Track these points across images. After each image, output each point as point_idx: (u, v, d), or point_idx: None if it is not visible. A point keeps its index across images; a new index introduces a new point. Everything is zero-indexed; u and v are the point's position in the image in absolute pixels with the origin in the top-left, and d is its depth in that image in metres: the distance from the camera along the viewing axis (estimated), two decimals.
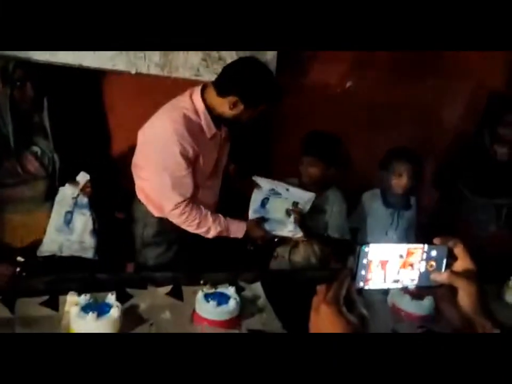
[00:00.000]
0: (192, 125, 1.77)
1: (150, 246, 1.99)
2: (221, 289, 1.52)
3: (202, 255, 2.01)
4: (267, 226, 2.02)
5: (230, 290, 1.50)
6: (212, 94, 1.78)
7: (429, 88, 2.74)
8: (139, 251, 2.01)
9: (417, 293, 1.58)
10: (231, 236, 1.96)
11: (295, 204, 2.02)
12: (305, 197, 2.02)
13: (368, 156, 2.61)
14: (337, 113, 2.63)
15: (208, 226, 1.89)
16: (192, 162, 1.80)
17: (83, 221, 1.87)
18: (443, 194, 2.73)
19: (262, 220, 2.02)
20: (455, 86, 2.78)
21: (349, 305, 0.75)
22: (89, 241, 1.89)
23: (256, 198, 2.04)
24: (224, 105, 1.77)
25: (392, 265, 0.79)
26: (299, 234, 2.04)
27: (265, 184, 2.04)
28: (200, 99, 1.79)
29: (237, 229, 1.96)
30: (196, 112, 1.79)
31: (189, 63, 2.06)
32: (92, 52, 1.93)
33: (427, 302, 1.56)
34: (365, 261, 0.77)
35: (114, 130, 2.32)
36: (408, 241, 2.25)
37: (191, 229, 1.89)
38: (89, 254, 1.89)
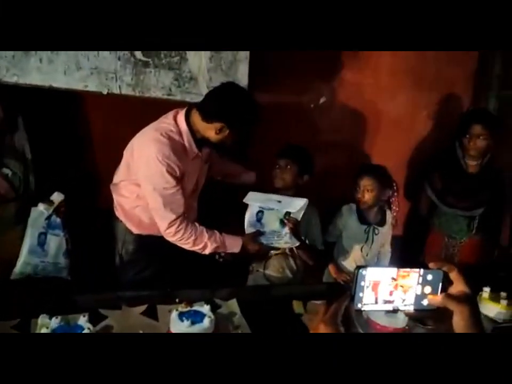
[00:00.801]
0: (176, 145, 1.80)
1: (129, 263, 1.99)
2: (196, 307, 1.52)
3: (179, 273, 2.01)
4: (264, 239, 2.02)
5: (205, 308, 1.49)
6: (196, 117, 1.81)
7: (404, 101, 2.82)
8: (119, 268, 2.01)
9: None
10: (228, 251, 1.96)
11: (288, 214, 2.02)
12: (297, 205, 2.01)
13: (342, 170, 2.67)
14: (311, 128, 2.69)
15: (204, 243, 1.89)
16: (179, 181, 1.82)
17: (57, 241, 1.86)
18: (415, 206, 2.78)
19: (258, 234, 2.02)
20: (430, 99, 2.87)
21: (347, 325, 0.79)
22: (64, 262, 1.89)
23: (250, 212, 2.04)
24: (209, 130, 1.80)
25: (384, 287, 0.82)
26: (296, 243, 2.05)
27: (258, 197, 2.04)
28: (184, 121, 1.82)
29: (233, 244, 1.95)
30: (180, 133, 1.82)
31: (161, 83, 2.07)
32: (62, 73, 1.94)
33: (401, 315, 1.57)
34: (362, 283, 0.80)
35: (91, 149, 2.32)
36: (382, 258, 2.29)
37: (188, 246, 1.89)
38: (63, 274, 1.88)
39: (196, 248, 1.89)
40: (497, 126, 2.48)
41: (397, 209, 2.31)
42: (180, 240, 1.86)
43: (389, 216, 2.28)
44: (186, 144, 1.83)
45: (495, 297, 1.81)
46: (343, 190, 2.37)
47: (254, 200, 2.03)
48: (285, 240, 2.03)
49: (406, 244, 2.74)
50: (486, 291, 1.85)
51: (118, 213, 2.00)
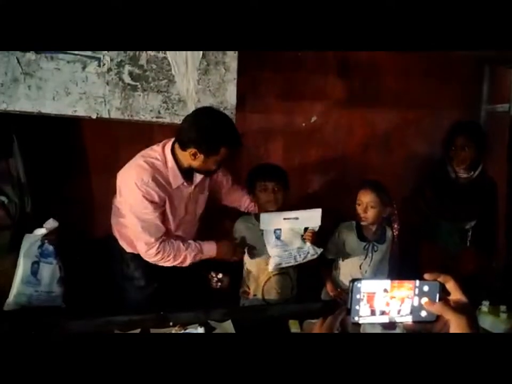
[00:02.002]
0: (159, 174, 1.85)
1: (128, 281, 2.02)
2: (190, 330, 1.49)
3: (174, 293, 2.00)
4: (288, 257, 2.04)
5: (199, 331, 1.47)
6: (177, 148, 1.87)
7: (395, 117, 2.85)
8: (119, 288, 2.03)
9: (389, 323, 1.57)
10: (205, 257, 1.98)
11: (306, 229, 2.07)
12: (313, 217, 2.06)
13: (338, 189, 2.67)
14: (302, 147, 2.71)
15: (183, 256, 1.92)
16: (160, 207, 1.86)
17: (50, 270, 1.86)
18: (409, 219, 2.78)
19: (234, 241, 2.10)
20: (421, 115, 2.89)
21: None
22: (58, 290, 1.88)
23: (268, 233, 2.06)
24: (187, 158, 1.85)
25: (379, 299, 0.81)
26: (319, 251, 2.08)
27: (274, 219, 2.07)
28: (170, 152, 1.88)
29: (209, 248, 1.99)
30: (165, 163, 1.87)
31: (150, 106, 2.08)
32: (50, 99, 1.94)
33: (398, 330, 1.55)
34: (358, 296, 0.79)
35: (87, 174, 2.33)
36: (380, 275, 2.28)
37: (169, 263, 1.92)
38: (57, 303, 1.87)
39: (176, 263, 1.93)
40: (481, 136, 2.51)
41: (398, 226, 2.29)
42: (160, 260, 1.90)
43: (389, 233, 2.27)
44: (170, 173, 1.87)
45: (494, 311, 1.80)
46: (336, 207, 2.37)
47: (272, 225, 2.06)
48: (310, 253, 2.06)
49: (401, 257, 2.72)
50: (485, 304, 1.84)
51: (114, 233, 2.05)
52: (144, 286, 2.02)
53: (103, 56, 1.99)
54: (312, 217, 2.07)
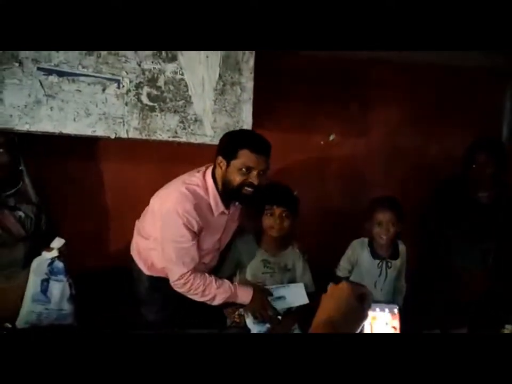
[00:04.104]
0: (199, 200, 1.83)
1: (145, 303, 2.02)
2: None
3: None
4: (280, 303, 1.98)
5: None
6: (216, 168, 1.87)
7: (410, 134, 2.82)
8: (138, 309, 2.03)
9: None
10: (239, 301, 1.93)
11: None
12: (302, 297, 2.00)
13: (352, 207, 2.65)
14: (318, 165, 2.71)
15: (213, 294, 1.87)
16: (196, 236, 1.84)
17: (60, 287, 1.85)
18: (428, 239, 2.73)
19: (267, 291, 1.99)
20: (439, 132, 2.86)
21: None
22: (68, 307, 1.87)
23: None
24: (218, 170, 1.85)
25: None
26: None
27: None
28: (211, 176, 1.87)
29: (244, 294, 1.92)
30: (206, 189, 1.86)
31: (167, 126, 2.12)
32: (72, 120, 2.01)
33: None
34: None
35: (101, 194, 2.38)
36: (397, 293, 2.23)
37: (197, 297, 1.88)
38: (68, 321, 1.86)
39: (204, 299, 1.88)
40: (503, 153, 2.46)
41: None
42: (188, 291, 1.86)
43: (402, 248, 2.24)
44: (212, 200, 1.86)
45: None
46: (350, 224, 2.36)
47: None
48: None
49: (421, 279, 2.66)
50: (508, 328, 1.80)
51: (133, 253, 2.05)
52: (159, 310, 2.01)
53: (122, 78, 2.05)
54: (300, 297, 1.99)
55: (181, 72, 2.12)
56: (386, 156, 2.79)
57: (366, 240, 2.20)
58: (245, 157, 1.78)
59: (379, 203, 2.17)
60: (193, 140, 2.16)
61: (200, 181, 1.86)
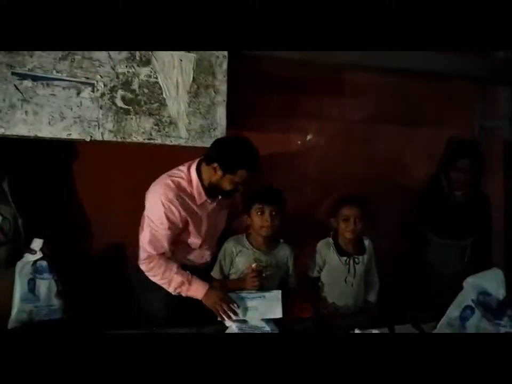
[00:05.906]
0: (184, 192, 2.00)
1: (150, 290, 2.05)
2: None
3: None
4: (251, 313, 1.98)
5: None
6: (203, 165, 2.01)
7: (388, 134, 2.88)
8: (141, 297, 2.10)
9: None
10: (190, 293, 1.98)
11: None
12: (277, 308, 1.98)
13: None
14: (295, 167, 2.74)
15: (170, 278, 1.97)
16: (176, 226, 1.99)
17: (47, 284, 1.93)
18: (406, 237, 2.78)
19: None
20: (415, 132, 2.92)
21: None
22: (57, 303, 1.95)
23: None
24: (209, 172, 1.99)
25: None
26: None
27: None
28: (195, 171, 2.02)
29: (199, 287, 1.98)
30: (190, 181, 2.02)
31: (142, 128, 2.16)
32: (46, 123, 2.03)
33: None
34: None
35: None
36: (370, 287, 2.27)
37: (157, 279, 1.99)
38: (58, 315, 1.94)
39: (163, 282, 1.98)
40: (482, 159, 2.52)
41: None
42: (151, 270, 1.99)
43: (368, 243, 2.29)
44: (195, 190, 2.02)
45: None
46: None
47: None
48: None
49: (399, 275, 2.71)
50: None
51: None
52: (166, 293, 2.03)
53: (97, 81, 2.08)
54: (276, 309, 1.97)
55: (155, 76, 2.16)
56: (362, 156, 2.84)
57: (330, 239, 2.26)
58: (242, 175, 1.97)
59: (345, 199, 2.24)
60: (168, 142, 2.20)
61: (184, 174, 2.02)
